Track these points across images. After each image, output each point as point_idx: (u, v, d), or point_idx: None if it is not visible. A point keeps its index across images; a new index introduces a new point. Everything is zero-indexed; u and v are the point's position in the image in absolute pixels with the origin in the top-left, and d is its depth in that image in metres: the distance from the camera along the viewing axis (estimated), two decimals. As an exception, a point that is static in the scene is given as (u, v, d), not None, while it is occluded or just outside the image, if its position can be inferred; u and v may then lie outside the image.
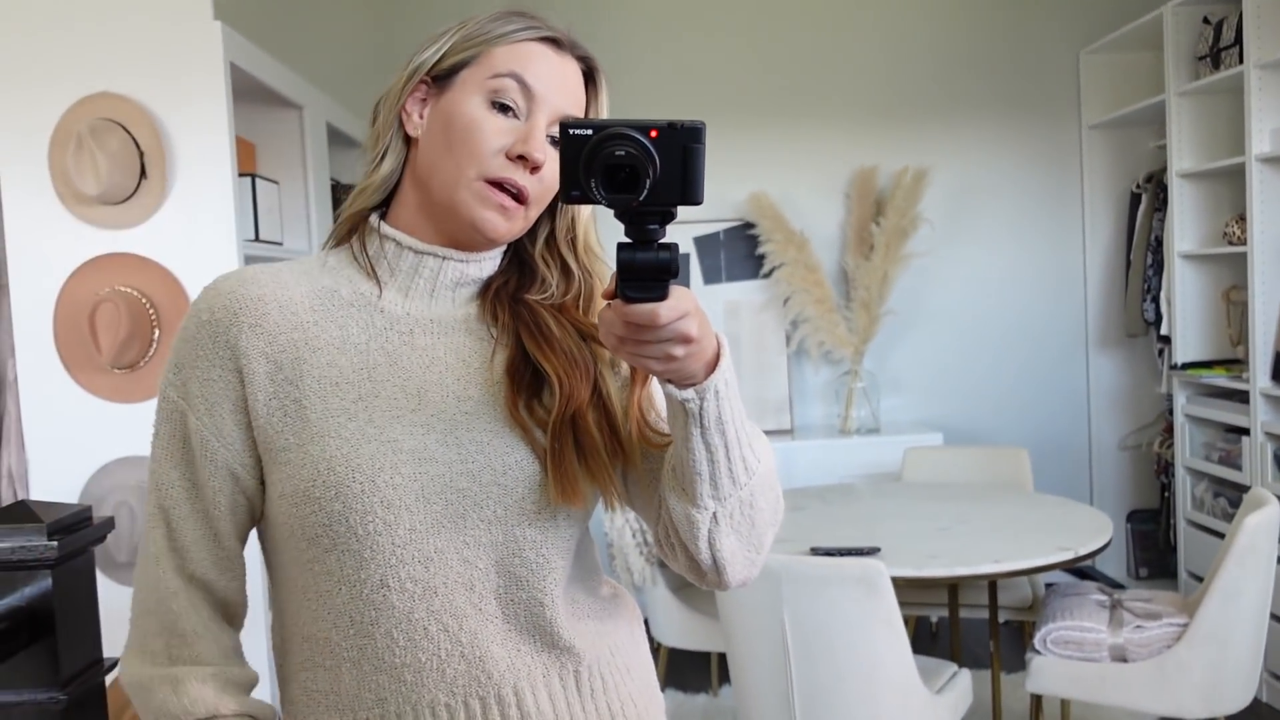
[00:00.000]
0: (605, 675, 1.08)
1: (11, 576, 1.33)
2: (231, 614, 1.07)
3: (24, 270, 2.70)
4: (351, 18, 4.42)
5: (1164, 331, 4.04)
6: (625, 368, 1.05)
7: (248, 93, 3.04)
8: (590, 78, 1.07)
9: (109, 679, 1.47)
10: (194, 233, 2.71)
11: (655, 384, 1.02)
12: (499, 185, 0.99)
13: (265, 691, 2.76)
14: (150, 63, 2.67)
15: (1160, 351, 4.17)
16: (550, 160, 1.01)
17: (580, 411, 1.01)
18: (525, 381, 1.03)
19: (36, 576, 1.34)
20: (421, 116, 1.04)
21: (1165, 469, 4.21)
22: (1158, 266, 4.11)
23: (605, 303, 0.85)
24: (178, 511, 1.02)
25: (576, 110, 1.04)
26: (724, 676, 3.60)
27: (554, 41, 1.04)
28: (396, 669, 0.99)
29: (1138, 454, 4.51)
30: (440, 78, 1.03)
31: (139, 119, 2.66)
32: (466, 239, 1.04)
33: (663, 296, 0.81)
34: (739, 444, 0.94)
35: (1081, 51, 4.44)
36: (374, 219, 1.07)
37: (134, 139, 2.65)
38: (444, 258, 1.05)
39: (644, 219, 0.81)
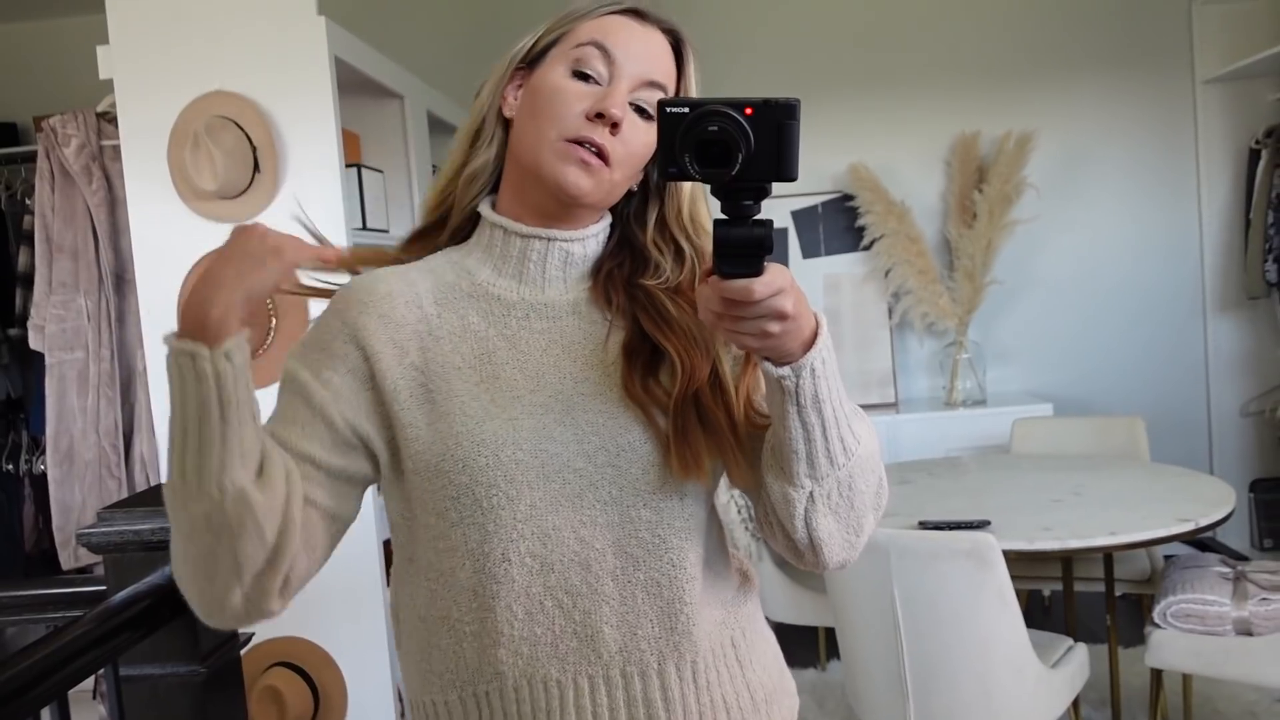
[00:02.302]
0: (723, 667, 1.07)
1: (152, 556, 1.40)
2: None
3: (148, 265, 2.83)
4: (449, 5, 4.48)
5: (1288, 293, 3.88)
6: (737, 348, 1.05)
7: (350, 84, 3.12)
8: (677, 49, 1.09)
9: (243, 652, 1.54)
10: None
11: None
12: (579, 143, 1.02)
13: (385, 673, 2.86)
14: (259, 60, 2.77)
15: (1284, 314, 4.01)
16: (633, 125, 1.03)
17: (702, 388, 1.02)
18: (642, 361, 1.05)
19: (175, 556, 1.41)
20: (516, 99, 1.08)
21: (1291, 436, 4.05)
22: (1279, 225, 3.94)
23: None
24: (281, 436, 1.00)
25: (662, 79, 1.06)
26: (831, 651, 3.60)
27: (637, 13, 1.06)
28: (515, 642, 1.02)
29: (1260, 420, 4.34)
30: (533, 61, 1.08)
31: (251, 115, 2.75)
32: (557, 206, 1.06)
33: (758, 272, 0.83)
34: (837, 424, 0.94)
35: (1194, 3, 4.26)
36: (484, 207, 1.10)
37: (247, 135, 2.74)
38: (549, 239, 1.08)
39: (739, 195, 0.83)
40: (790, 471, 0.96)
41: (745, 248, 0.83)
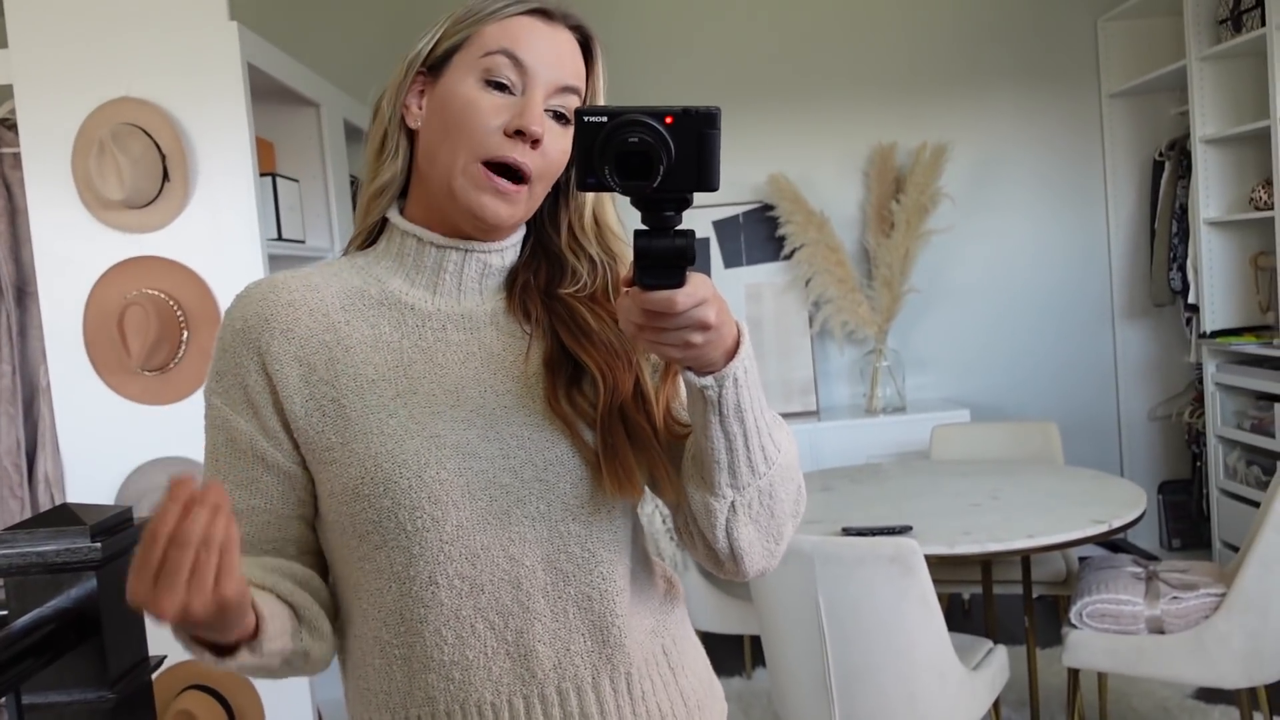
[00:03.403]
0: (656, 676, 1.06)
1: (57, 579, 1.34)
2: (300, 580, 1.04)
3: (52, 276, 2.73)
4: (364, 11, 4.42)
5: (1191, 300, 4.01)
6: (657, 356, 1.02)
7: (265, 92, 3.05)
8: (586, 47, 1.05)
9: (155, 675, 1.48)
10: (218, 233, 2.72)
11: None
12: (499, 166, 0.98)
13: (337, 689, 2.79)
14: (169, 66, 2.69)
15: (1188, 320, 4.14)
16: (552, 135, 1.00)
17: (626, 402, 1.01)
18: (565, 375, 1.02)
19: (81, 578, 1.35)
20: (420, 108, 1.03)
21: (1196, 438, 4.18)
22: (1183, 234, 4.07)
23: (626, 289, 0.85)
24: (234, 509, 0.98)
25: (575, 81, 1.02)
26: (757, 659, 3.61)
27: (544, 13, 1.02)
28: (445, 667, 0.99)
29: (1168, 424, 4.48)
30: (435, 66, 1.03)
31: (160, 122, 2.68)
32: (471, 228, 1.02)
33: (680, 283, 0.81)
34: (758, 433, 0.93)
35: (1100, 19, 4.39)
36: (393, 214, 1.06)
37: (155, 142, 2.66)
38: (465, 250, 1.04)
39: (660, 206, 0.81)
40: (712, 481, 0.95)
41: (667, 259, 0.81)
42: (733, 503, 0.95)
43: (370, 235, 1.09)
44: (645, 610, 1.08)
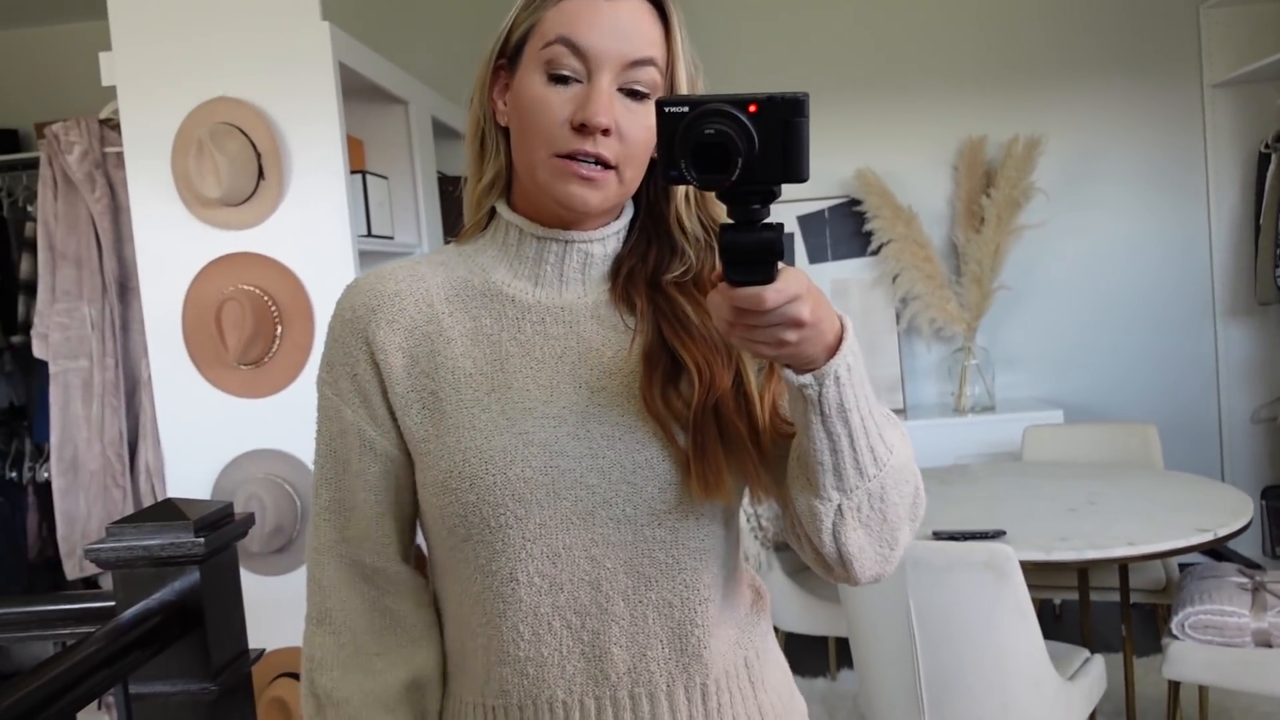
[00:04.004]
0: (735, 689, 1.04)
1: (162, 572, 1.37)
2: (400, 620, 1.06)
3: (152, 273, 2.80)
4: (452, 7, 4.46)
5: (1299, 299, 3.85)
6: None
7: (355, 90, 3.10)
8: (661, 10, 0.99)
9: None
10: (310, 230, 2.77)
11: None
12: (573, 157, 0.95)
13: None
14: (264, 66, 2.74)
15: (1295, 320, 3.98)
16: (630, 115, 0.96)
17: (723, 399, 0.96)
18: (662, 370, 0.99)
19: (185, 571, 1.38)
20: (505, 104, 1.02)
21: (1302, 442, 4.02)
22: (1291, 230, 3.91)
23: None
24: (346, 503, 1.04)
25: (648, 52, 0.96)
26: (842, 660, 3.56)
27: None
28: (520, 662, 0.99)
29: (1271, 427, 4.31)
30: (512, 58, 1.01)
31: (255, 122, 2.73)
32: (570, 215, 1.00)
33: (769, 279, 0.78)
34: (865, 433, 0.88)
35: (1202, 5, 4.23)
36: (500, 205, 1.05)
37: (251, 141, 2.72)
38: (565, 241, 1.02)
39: (745, 199, 0.78)
40: (816, 484, 0.90)
41: (754, 254, 0.78)
42: (839, 506, 0.90)
43: (482, 225, 1.08)
44: (729, 620, 1.05)
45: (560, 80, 0.96)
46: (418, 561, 1.10)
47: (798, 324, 0.80)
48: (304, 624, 1.07)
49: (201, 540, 1.35)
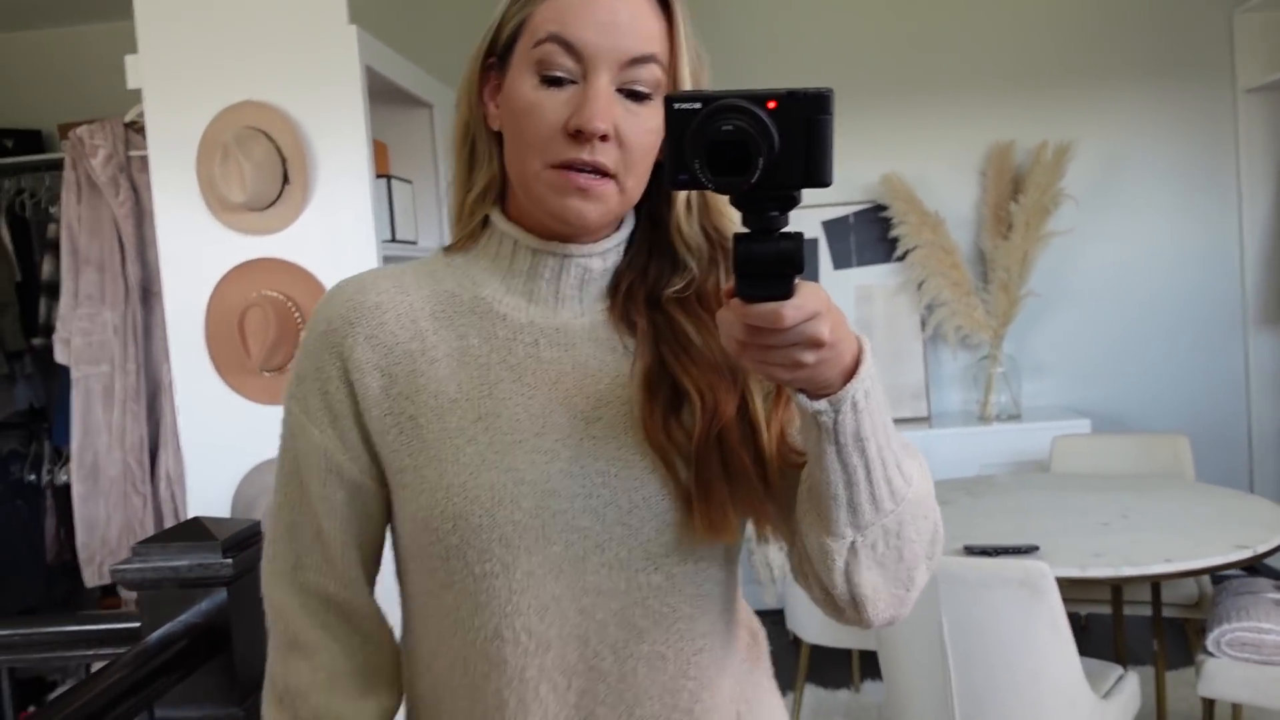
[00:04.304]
0: None
1: (188, 593, 1.35)
2: (371, 642, 1.00)
3: (175, 278, 2.78)
4: (477, 9, 4.43)
5: (1333, 308, 3.79)
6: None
7: (379, 93, 3.07)
8: (663, 2, 0.90)
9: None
10: (335, 235, 2.75)
11: None
12: (570, 167, 0.87)
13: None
14: (290, 70, 2.72)
15: (1329, 329, 3.92)
16: (631, 118, 0.87)
17: (727, 429, 0.88)
18: (663, 397, 0.90)
19: (211, 592, 1.36)
20: (497, 107, 0.93)
21: (1335, 453, 3.96)
22: (1325, 238, 3.85)
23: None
24: (306, 528, 0.96)
25: (649, 48, 0.88)
26: (865, 672, 3.52)
27: None
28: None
29: (1303, 437, 4.25)
30: (502, 56, 0.93)
31: (281, 126, 2.71)
32: (566, 232, 0.92)
33: (787, 294, 0.70)
34: (883, 464, 0.80)
35: (1236, 10, 4.17)
36: (495, 214, 0.96)
37: (276, 146, 2.69)
38: (562, 255, 0.93)
39: (762, 205, 0.70)
40: (829, 519, 0.82)
41: (771, 266, 0.70)
42: (853, 543, 0.83)
43: (475, 234, 0.99)
44: (723, 672, 0.96)
45: (554, 82, 0.87)
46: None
47: (816, 344, 0.72)
48: (270, 653, 1.00)
49: (230, 561, 1.33)
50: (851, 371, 0.77)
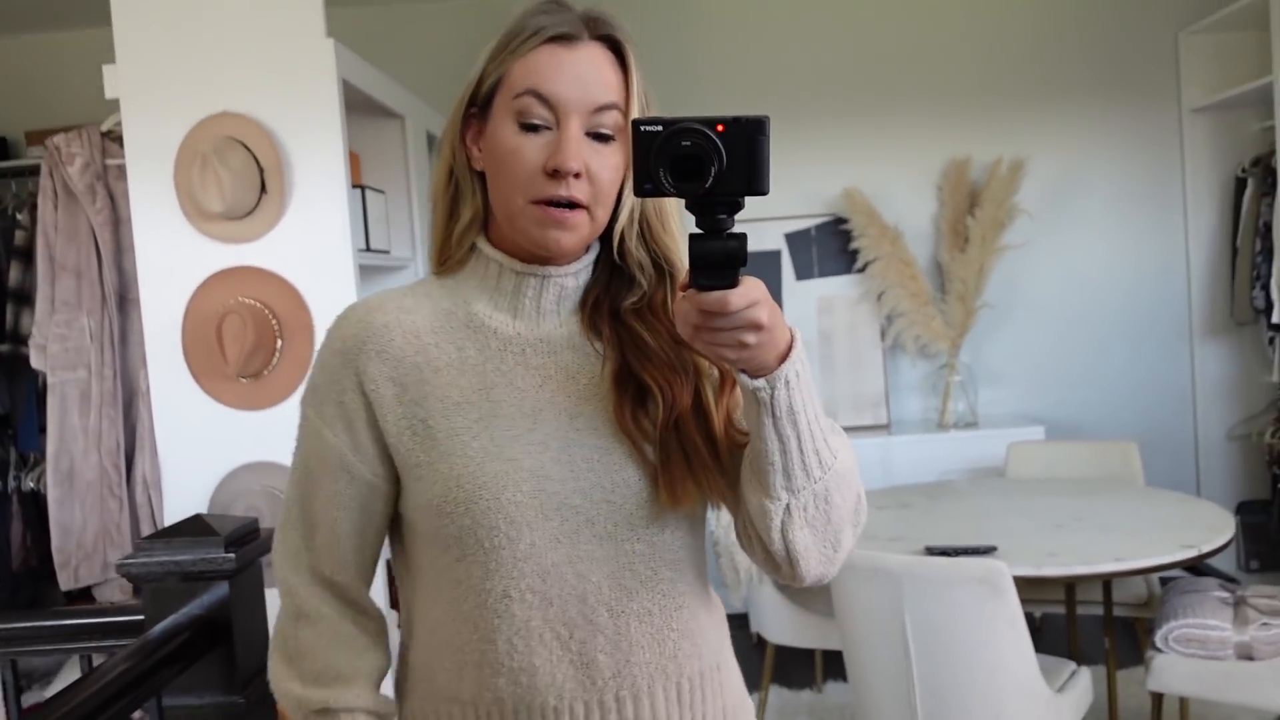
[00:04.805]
0: (706, 688, 1.12)
1: (192, 586, 1.40)
2: (366, 615, 1.14)
3: (153, 284, 2.81)
4: (446, 23, 4.49)
5: (1275, 319, 3.94)
6: (717, 370, 1.09)
7: (352, 104, 3.11)
8: (619, 53, 1.06)
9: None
10: (311, 244, 2.79)
11: None
12: (549, 202, 1.02)
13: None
14: (268, 81, 2.76)
15: (1271, 340, 4.07)
16: (598, 157, 1.02)
17: (684, 416, 1.05)
18: (631, 393, 1.07)
19: (213, 585, 1.41)
20: (480, 149, 1.08)
21: (1277, 459, 4.11)
22: (1267, 253, 4.01)
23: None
24: (319, 522, 1.10)
25: (610, 98, 1.03)
26: (829, 673, 3.61)
27: (564, 38, 1.03)
28: (514, 672, 1.05)
29: (1247, 444, 4.41)
30: (483, 106, 1.07)
31: (258, 136, 2.75)
32: (545, 256, 1.07)
33: (734, 284, 0.86)
34: (812, 436, 0.96)
35: (1181, 32, 4.34)
36: (481, 241, 1.10)
37: (254, 156, 2.74)
38: (542, 276, 1.08)
39: (713, 209, 0.86)
40: (767, 484, 0.98)
41: (720, 261, 0.86)
42: (788, 505, 0.99)
43: (462, 259, 1.13)
44: (701, 627, 1.13)
45: (531, 129, 1.02)
46: None
47: (757, 327, 0.88)
48: (280, 619, 1.13)
49: (232, 556, 1.38)
50: (785, 356, 0.92)
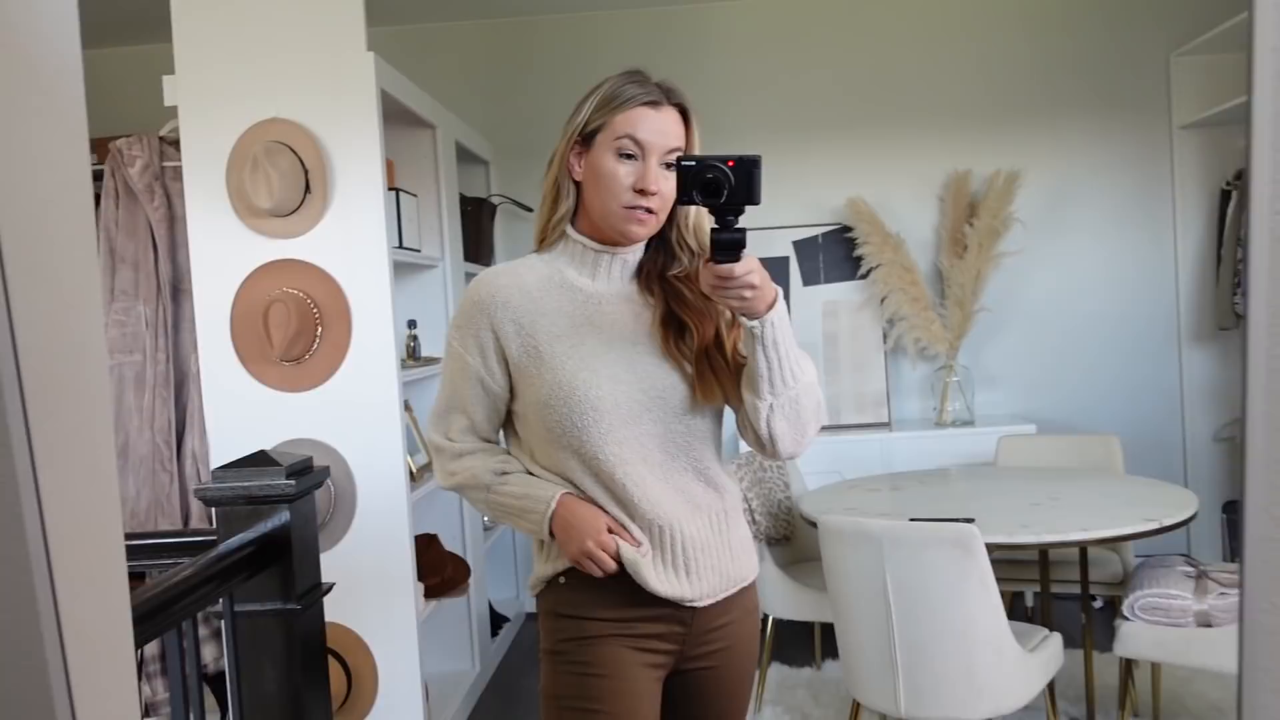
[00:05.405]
0: (729, 521, 1.66)
1: (257, 509, 1.65)
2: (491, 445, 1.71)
3: (204, 276, 3.08)
4: (475, 44, 4.77)
5: (1256, 324, 4.14)
6: (729, 313, 1.59)
7: (388, 114, 3.39)
8: (684, 115, 1.59)
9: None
10: (350, 241, 3.05)
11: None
12: (633, 208, 1.53)
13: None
14: (313, 91, 3.03)
15: (1253, 344, 4.26)
16: (666, 182, 1.55)
17: (708, 343, 1.59)
18: (674, 328, 1.60)
19: (277, 510, 1.65)
20: (580, 166, 1.59)
21: (1260, 459, 4.29)
22: (1248, 261, 4.20)
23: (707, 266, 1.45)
24: (466, 408, 1.64)
25: (678, 144, 1.56)
26: (826, 651, 3.83)
27: (654, 103, 1.55)
28: (617, 505, 1.58)
29: (1233, 445, 4.60)
30: (587, 138, 1.57)
31: (304, 141, 3.02)
32: (622, 240, 1.61)
33: (738, 259, 1.40)
34: (789, 359, 1.51)
35: (1173, 54, 4.56)
36: (570, 230, 1.64)
37: (300, 159, 3.00)
38: (613, 254, 1.62)
39: (726, 213, 1.40)
40: (758, 389, 1.53)
41: (730, 245, 1.39)
42: (771, 404, 1.53)
43: (553, 242, 1.66)
44: (722, 476, 1.67)
45: (628, 158, 1.55)
46: None
47: (753, 286, 1.42)
48: (443, 471, 1.68)
49: (293, 483, 1.63)
50: (771, 305, 1.47)
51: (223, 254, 3.07)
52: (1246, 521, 0.67)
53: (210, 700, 3.32)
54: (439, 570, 3.44)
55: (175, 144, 3.19)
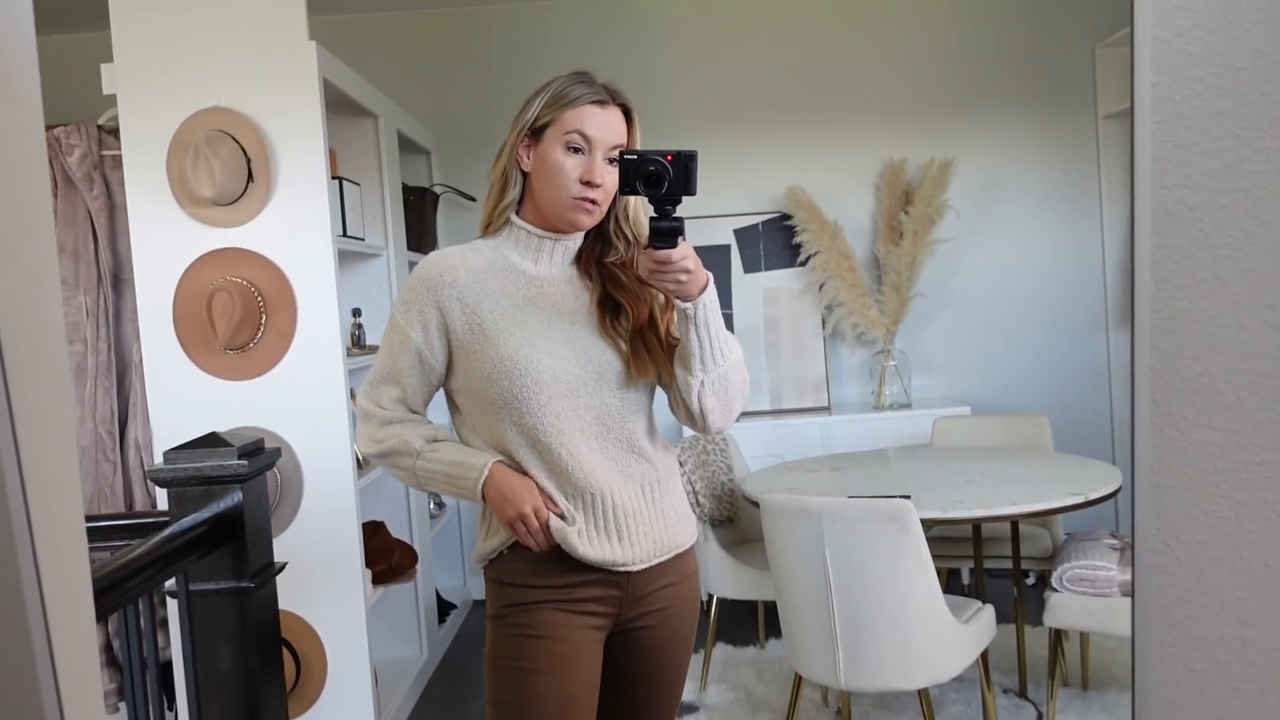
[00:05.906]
0: (662, 490, 1.75)
1: (210, 490, 1.67)
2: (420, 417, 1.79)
3: (146, 265, 3.06)
4: (415, 34, 4.77)
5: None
6: (662, 298, 1.71)
7: (332, 103, 3.39)
8: (627, 114, 1.71)
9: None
10: (294, 229, 3.06)
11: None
12: (580, 199, 1.65)
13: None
14: (255, 80, 3.03)
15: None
16: (609, 175, 1.66)
17: (644, 325, 1.72)
18: (609, 310, 1.72)
19: (229, 490, 1.68)
20: (529, 158, 1.70)
21: (1183, 437, 4.46)
22: (1171, 247, 4.36)
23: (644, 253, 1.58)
24: (400, 379, 1.71)
25: (621, 141, 1.68)
26: (770, 630, 3.91)
27: (601, 101, 1.67)
28: (549, 474, 1.67)
29: (1158, 425, 4.76)
30: (536, 132, 1.68)
31: (246, 129, 3.02)
32: (566, 228, 1.71)
33: (674, 246, 1.54)
34: (719, 339, 1.65)
35: (1097, 45, 4.70)
36: (514, 217, 1.75)
37: (242, 147, 3.00)
38: (555, 240, 1.74)
39: (664, 203, 1.52)
40: (690, 367, 1.66)
41: (667, 233, 1.52)
42: (702, 380, 1.66)
43: (498, 228, 1.76)
44: (655, 450, 1.77)
45: (575, 151, 1.66)
46: None
47: (687, 271, 1.56)
48: (365, 436, 1.74)
49: (245, 463, 1.65)
50: (703, 290, 1.60)
51: (164, 243, 3.06)
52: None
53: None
54: (386, 557, 3.46)
55: (114, 133, 3.16)
